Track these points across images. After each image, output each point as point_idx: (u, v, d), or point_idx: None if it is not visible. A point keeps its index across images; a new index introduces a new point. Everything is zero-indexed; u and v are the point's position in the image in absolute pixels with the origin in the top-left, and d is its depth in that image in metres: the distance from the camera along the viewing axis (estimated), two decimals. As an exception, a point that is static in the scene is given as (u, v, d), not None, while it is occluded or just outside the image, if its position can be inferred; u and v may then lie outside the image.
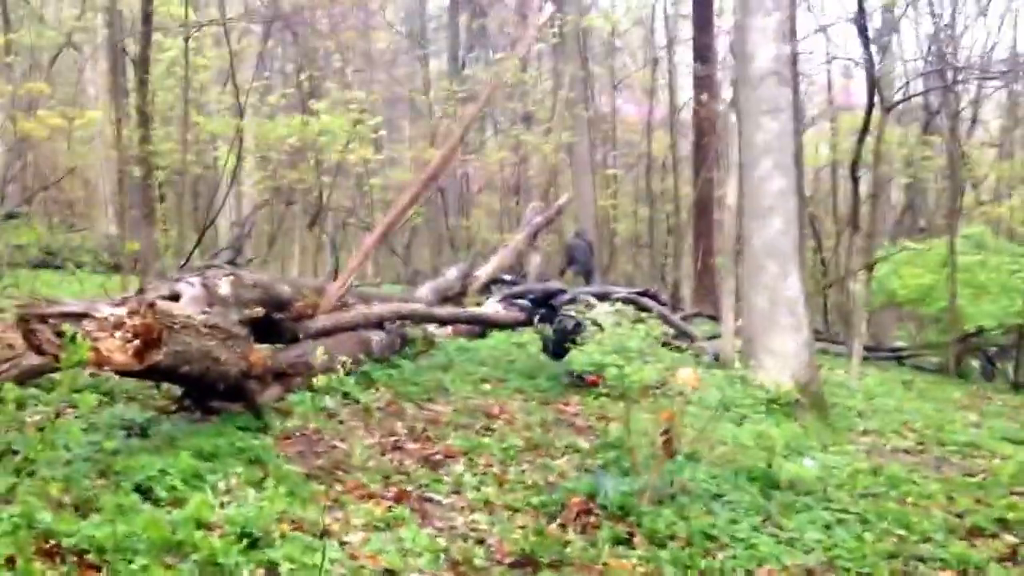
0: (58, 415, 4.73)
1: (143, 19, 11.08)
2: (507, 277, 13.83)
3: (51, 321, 4.45)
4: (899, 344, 18.66)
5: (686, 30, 24.71)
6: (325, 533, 4.09)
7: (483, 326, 10.47)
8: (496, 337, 10.41)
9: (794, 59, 8.73)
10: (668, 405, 5.23)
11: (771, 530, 4.86)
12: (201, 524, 3.90)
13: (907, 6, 18.88)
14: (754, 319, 8.53)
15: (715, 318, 15.91)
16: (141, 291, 5.10)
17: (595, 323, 7.74)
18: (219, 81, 19.23)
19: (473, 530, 4.53)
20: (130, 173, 11.52)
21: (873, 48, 14.06)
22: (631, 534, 4.59)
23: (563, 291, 9.84)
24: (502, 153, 21.94)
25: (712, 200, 20.56)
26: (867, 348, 13.94)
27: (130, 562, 3.50)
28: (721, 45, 21.47)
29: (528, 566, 4.20)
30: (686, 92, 24.71)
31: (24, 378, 5.66)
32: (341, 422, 6.17)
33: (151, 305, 4.63)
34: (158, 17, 12.92)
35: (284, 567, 3.66)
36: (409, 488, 5.01)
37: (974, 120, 21.90)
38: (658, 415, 5.16)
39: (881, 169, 15.37)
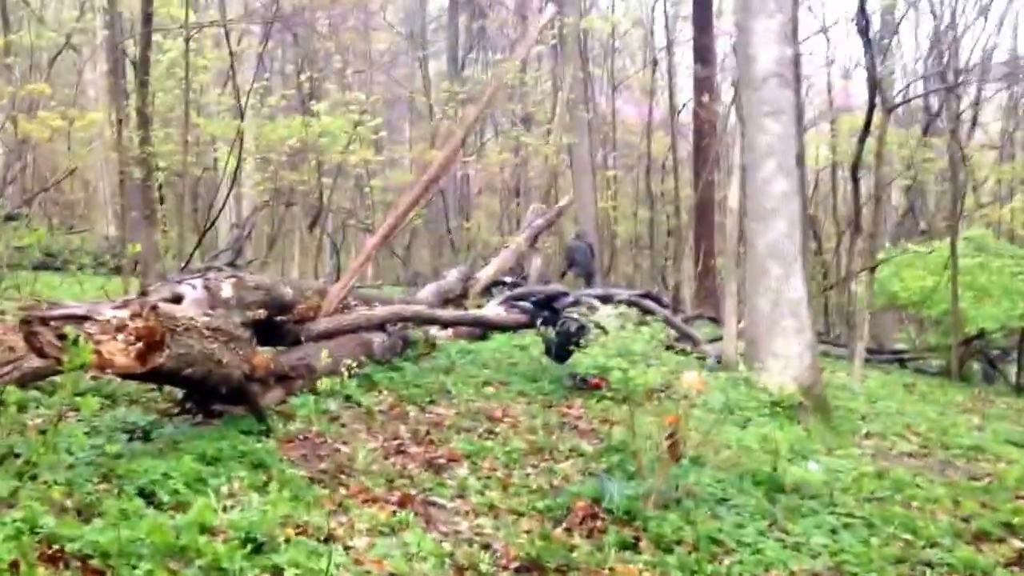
0: (60, 418, 4.70)
1: (143, 20, 11.05)
2: (508, 279, 13.81)
3: (53, 324, 4.42)
4: (900, 346, 18.65)
5: (686, 31, 24.73)
6: (330, 538, 4.07)
7: (485, 328, 10.44)
8: (498, 339, 10.37)
9: (796, 61, 8.70)
10: (672, 408, 5.20)
11: (777, 535, 4.83)
12: (205, 529, 3.87)
13: (908, 8, 18.92)
14: (757, 321, 8.51)
15: (716, 320, 15.92)
16: (144, 293, 5.07)
17: (598, 326, 7.71)
18: (219, 82, 19.21)
19: (478, 534, 4.51)
20: (130, 175, 11.48)
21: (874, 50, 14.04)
22: (637, 538, 4.57)
23: (566, 293, 9.82)
24: (503, 155, 21.92)
25: (713, 202, 20.56)
26: (868, 350, 13.92)
27: (134, 567, 3.48)
28: (721, 47, 21.52)
29: (534, 571, 4.17)
30: (685, 94, 24.73)
31: (25, 381, 5.63)
32: (344, 425, 6.13)
33: (154, 307, 4.60)
34: (158, 18, 12.89)
35: (289, 572, 3.63)
36: (413, 492, 4.98)
37: (974, 122, 21.90)
38: (662, 418, 5.14)
39: (882, 171, 15.34)
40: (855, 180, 13.87)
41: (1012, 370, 15.30)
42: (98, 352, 4.36)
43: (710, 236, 20.11)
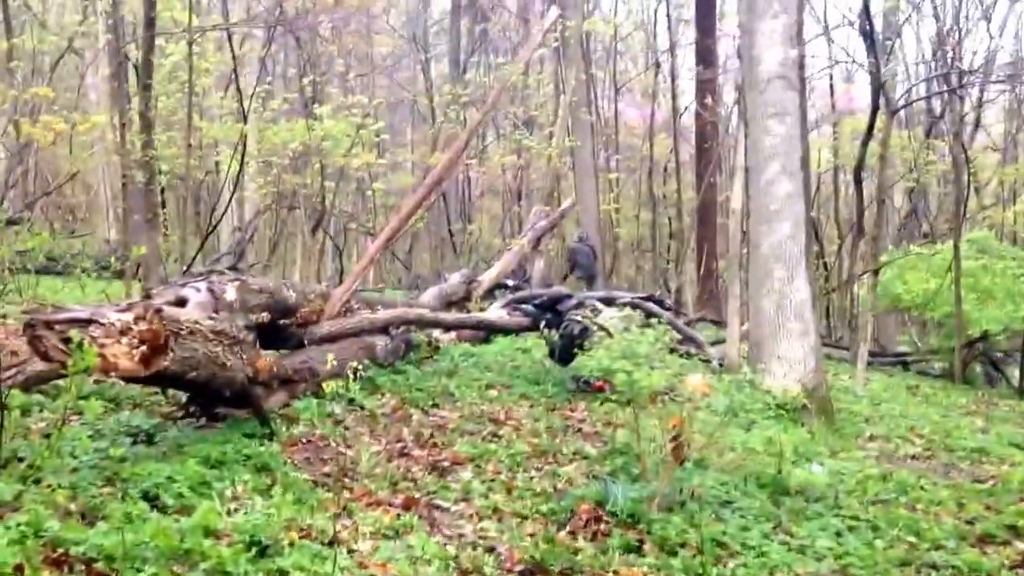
0: (64, 422, 4.70)
1: (146, 24, 11.05)
2: (510, 282, 13.80)
3: (57, 327, 4.42)
4: (903, 349, 18.63)
5: (687, 34, 24.76)
6: (334, 541, 4.06)
7: (489, 331, 10.44)
8: (500, 342, 10.37)
9: (801, 63, 8.70)
10: (676, 411, 5.20)
11: (782, 537, 4.83)
12: (209, 532, 3.87)
13: (912, 11, 18.92)
14: (761, 324, 8.50)
15: (718, 323, 15.91)
16: (147, 296, 5.07)
17: (602, 328, 7.71)
18: (221, 86, 19.23)
19: (482, 538, 4.50)
20: (133, 178, 11.50)
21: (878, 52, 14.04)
22: (641, 541, 4.56)
23: (569, 296, 9.82)
24: (507, 157, 21.94)
25: (715, 204, 20.56)
26: (871, 353, 13.91)
27: (139, 571, 3.48)
28: (723, 49, 21.54)
29: (538, 574, 4.16)
30: (687, 96, 24.75)
31: (29, 385, 5.63)
32: (347, 428, 6.13)
33: (158, 311, 4.60)
34: (160, 22, 12.90)
35: (294, 576, 3.63)
36: (417, 495, 4.98)
37: (977, 124, 21.89)
38: (667, 421, 5.13)
39: (885, 173, 15.34)
40: (858, 183, 13.87)
41: (1015, 372, 15.26)
42: (102, 355, 4.36)
43: (712, 238, 20.12)
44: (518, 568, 4.19)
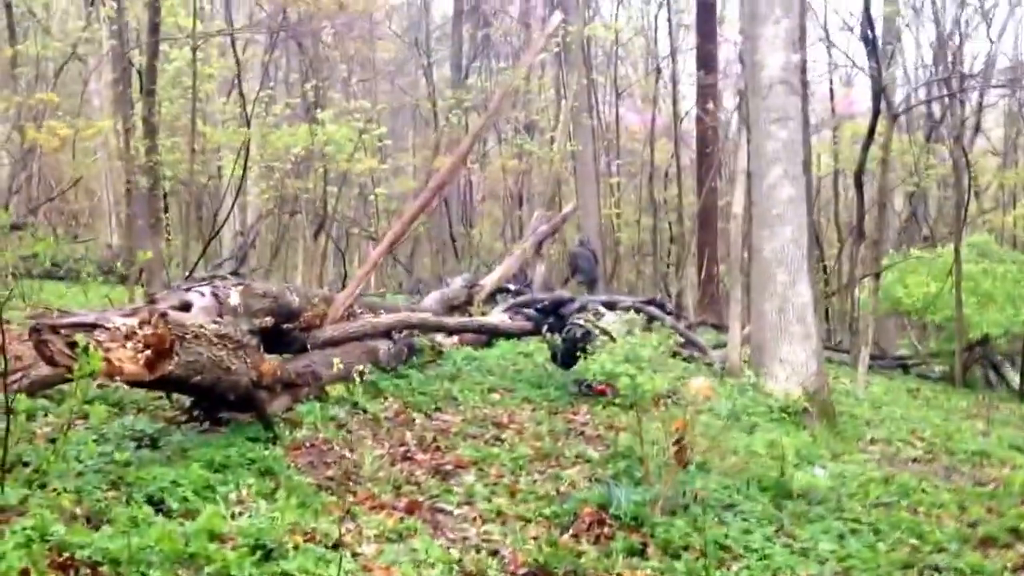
0: (69, 426, 4.72)
1: (150, 30, 11.12)
2: (512, 286, 13.82)
3: (63, 332, 4.44)
4: (903, 352, 18.63)
5: (688, 40, 24.80)
6: (338, 544, 4.08)
7: (492, 335, 10.46)
8: (502, 346, 10.39)
9: (803, 67, 8.73)
10: (679, 415, 5.21)
11: (784, 540, 4.84)
12: (214, 536, 3.89)
13: (913, 16, 18.96)
14: (763, 328, 8.51)
15: (719, 327, 15.92)
16: (152, 301, 5.10)
17: (605, 332, 7.72)
18: (223, 91, 19.29)
19: (486, 541, 4.51)
20: (136, 183, 11.54)
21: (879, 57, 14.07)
22: (645, 544, 4.57)
23: (572, 299, 9.83)
24: (510, 161, 21.97)
25: (716, 209, 20.59)
26: (871, 356, 13.91)
27: (144, 574, 3.50)
28: (723, 54, 21.57)
29: (542, 577, 4.18)
30: (688, 101, 24.79)
31: (33, 389, 5.66)
32: (350, 432, 6.15)
33: (163, 315, 4.62)
34: (164, 28, 12.96)
35: (298, 579, 3.65)
36: (420, 499, 5.00)
37: (977, 128, 21.93)
38: (670, 425, 5.15)
39: (887, 178, 15.35)
40: (859, 187, 13.89)
41: (1015, 375, 15.27)
42: (107, 360, 4.38)
43: (713, 243, 20.14)
44: (522, 571, 4.20)
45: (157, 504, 4.24)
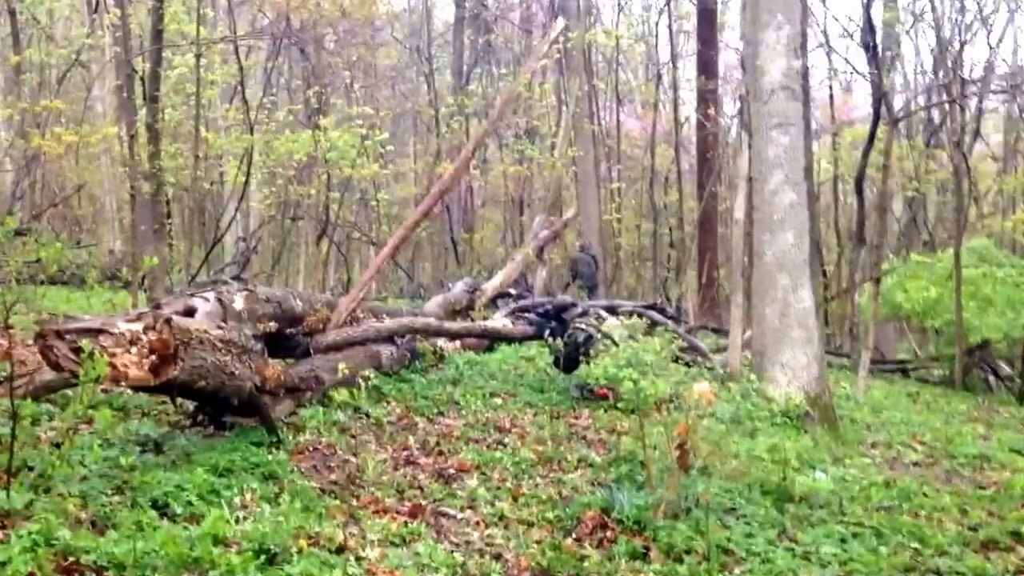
0: (74, 431, 4.75)
1: (153, 36, 11.16)
2: (513, 291, 13.86)
3: (68, 337, 4.46)
4: (903, 356, 18.63)
5: (688, 46, 24.87)
6: (342, 548, 4.10)
7: (493, 340, 10.49)
8: (504, 351, 10.42)
9: (805, 73, 8.75)
10: (681, 419, 5.23)
11: (787, 544, 4.85)
12: (218, 540, 3.91)
13: (914, 22, 19.00)
14: (765, 332, 8.52)
15: (719, 331, 15.94)
16: (157, 306, 5.12)
17: (607, 336, 7.75)
18: (225, 98, 19.34)
19: (489, 545, 4.53)
20: (140, 189, 11.57)
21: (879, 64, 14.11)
22: (647, 548, 4.59)
23: (574, 304, 9.87)
24: (511, 167, 22.01)
25: (717, 214, 20.63)
26: (871, 360, 13.92)
27: (149, 579, 3.51)
28: (723, 60, 21.65)
29: (545, 581, 4.20)
30: (688, 107, 24.85)
31: (38, 394, 5.68)
32: (353, 436, 6.17)
33: (167, 321, 4.65)
34: (167, 35, 13.01)
35: (303, 583, 3.66)
36: (424, 503, 5.02)
37: (976, 134, 21.97)
38: (672, 429, 5.16)
39: (888, 183, 15.37)
40: (859, 193, 13.91)
41: (1016, 379, 15.26)
42: (112, 365, 4.41)
43: (714, 248, 20.19)
44: (525, 575, 4.22)
45: (162, 508, 4.26)
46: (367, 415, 6.69)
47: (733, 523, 5.01)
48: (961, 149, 15.97)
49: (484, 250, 25.06)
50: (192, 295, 5.66)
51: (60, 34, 20.15)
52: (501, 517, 4.94)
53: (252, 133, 15.72)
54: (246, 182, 16.50)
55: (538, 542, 4.59)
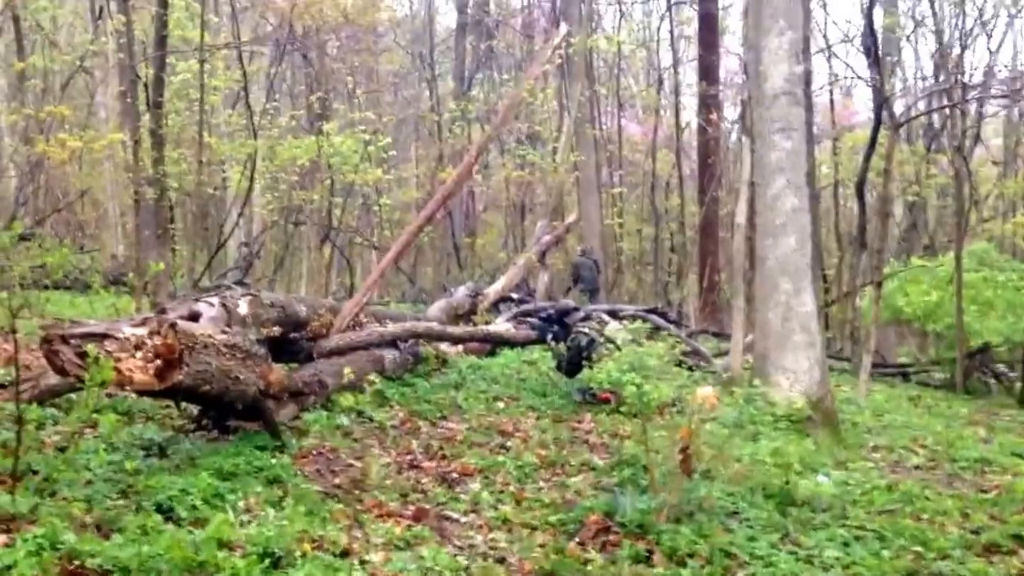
0: (79, 435, 4.76)
1: (157, 43, 11.21)
2: (515, 296, 13.88)
3: (73, 342, 4.49)
4: (903, 360, 18.63)
5: (689, 52, 24.92)
6: (346, 552, 4.11)
7: (497, 344, 10.52)
8: (506, 355, 10.44)
9: (807, 79, 8.77)
10: (684, 423, 5.24)
11: (789, 547, 4.85)
12: (223, 544, 3.92)
13: (915, 27, 19.02)
14: (767, 336, 8.53)
15: (719, 335, 15.97)
16: (162, 311, 5.14)
17: (610, 341, 7.76)
18: (229, 103, 19.40)
19: (493, 548, 4.55)
20: (143, 195, 11.62)
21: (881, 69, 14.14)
22: (651, 552, 4.59)
23: (577, 308, 9.88)
24: (513, 172, 22.06)
25: (718, 219, 20.66)
26: (872, 364, 13.92)
27: (154, 583, 3.53)
28: (724, 66, 21.69)
29: (549, 584, 4.20)
30: (689, 112, 24.89)
31: (43, 398, 5.71)
32: (357, 440, 6.19)
33: (172, 325, 4.67)
34: (171, 41, 13.07)
35: (308, 586, 3.68)
36: (427, 506, 5.03)
37: (976, 138, 22.01)
38: (675, 433, 5.18)
39: (889, 188, 15.39)
40: (860, 197, 13.92)
41: (1017, 383, 15.24)
42: (117, 369, 4.43)
43: (715, 252, 20.21)
44: (529, 578, 4.23)
45: (166, 512, 4.28)
46: (370, 419, 6.71)
47: (736, 527, 5.02)
48: (962, 153, 15.99)
49: (486, 255, 25.08)
50: (197, 300, 5.69)
51: (64, 40, 20.21)
52: (504, 521, 4.95)
53: (255, 138, 15.78)
54: (249, 187, 16.55)
55: (541, 546, 4.60)
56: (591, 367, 6.99)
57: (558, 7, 22.29)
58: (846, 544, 4.97)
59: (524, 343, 10.46)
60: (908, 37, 22.76)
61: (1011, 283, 14.81)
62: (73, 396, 5.75)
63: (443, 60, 28.74)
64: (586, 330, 8.62)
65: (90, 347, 4.30)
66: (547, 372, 9.44)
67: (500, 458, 6.11)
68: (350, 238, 20.88)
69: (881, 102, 13.33)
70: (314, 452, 5.75)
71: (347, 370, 5.34)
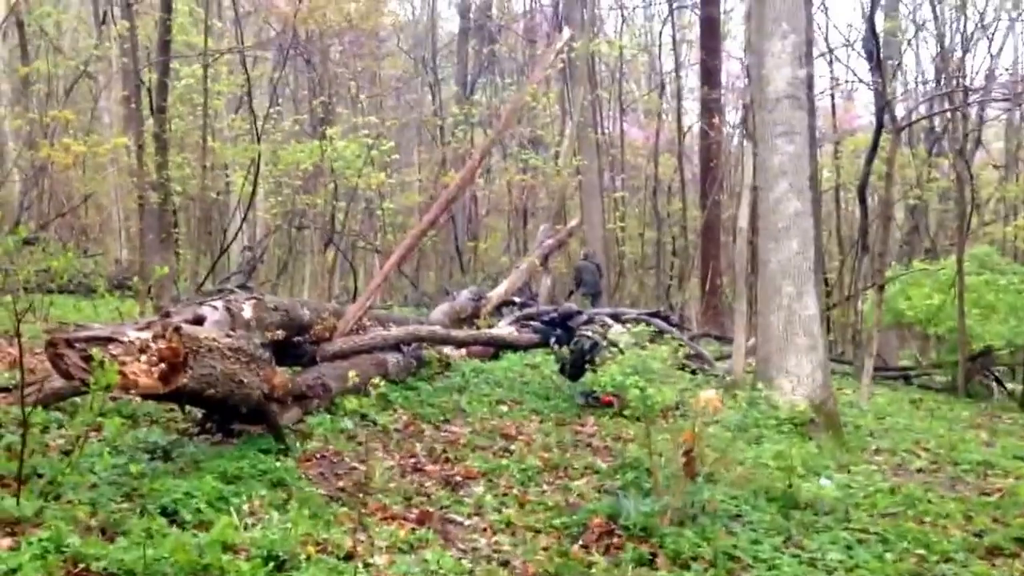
0: (83, 439, 4.78)
1: (160, 48, 11.25)
2: (517, 299, 13.89)
3: (78, 346, 4.51)
4: (905, 363, 18.62)
5: (691, 56, 24.95)
6: (351, 555, 4.12)
7: (499, 347, 10.53)
8: (509, 359, 10.45)
9: (809, 82, 8.79)
10: (687, 426, 5.25)
11: (793, 550, 4.85)
12: (227, 547, 3.93)
13: (916, 31, 19.04)
14: (770, 339, 8.54)
15: (721, 338, 15.98)
16: (166, 315, 5.16)
17: (613, 344, 7.77)
18: (232, 108, 19.45)
19: (496, 552, 4.55)
20: (147, 199, 11.65)
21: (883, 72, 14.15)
22: (654, 555, 4.59)
23: (580, 312, 9.89)
24: (516, 176, 22.11)
25: (719, 222, 20.69)
26: (874, 367, 13.91)
27: (160, 585, 3.54)
28: (726, 70, 21.72)
29: (553, 587, 4.21)
30: (691, 116, 24.92)
31: (47, 402, 5.73)
32: (360, 444, 6.20)
33: (176, 329, 4.69)
34: (175, 46, 13.11)
35: (312, 590, 3.69)
36: (431, 510, 5.03)
37: (977, 142, 22.03)
38: (678, 436, 5.18)
39: (891, 191, 15.40)
40: (862, 201, 13.93)
41: (1018, 386, 15.23)
42: (122, 373, 4.44)
43: (717, 255, 20.24)
44: (533, 581, 4.24)
45: (171, 515, 4.29)
46: (374, 422, 6.72)
47: (739, 530, 5.02)
48: (963, 157, 15.99)
49: (488, 259, 25.11)
50: (201, 304, 5.71)
51: (68, 46, 20.28)
52: (508, 524, 4.95)
53: (259, 143, 15.81)
54: (253, 191, 16.58)
55: (545, 549, 4.61)
56: (594, 370, 7.00)
57: (560, 12, 22.34)
58: (849, 547, 4.97)
59: (527, 347, 10.47)
60: (910, 41, 22.79)
61: (1013, 286, 14.81)
62: (78, 400, 5.76)
63: (446, 64, 28.80)
64: (589, 333, 8.63)
65: (95, 351, 4.31)
66: (550, 375, 9.45)
67: (503, 461, 6.12)
68: (353, 242, 20.92)
69: (883, 106, 13.35)
70: (318, 455, 5.76)
71: (351, 373, 5.35)
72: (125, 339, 4.61)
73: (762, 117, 8.84)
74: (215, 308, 5.57)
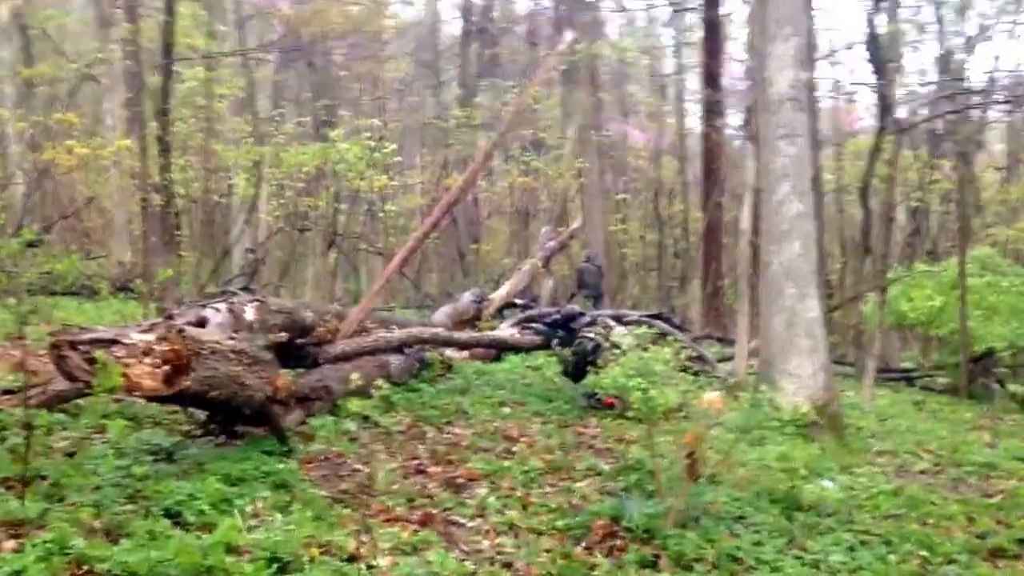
0: (87, 440, 4.79)
1: (163, 51, 11.27)
2: (519, 301, 13.88)
3: (82, 348, 4.53)
4: (907, 365, 18.60)
5: (692, 58, 24.96)
6: (354, 557, 4.12)
7: (502, 349, 10.54)
8: (512, 360, 10.46)
9: (812, 85, 8.80)
10: (689, 428, 5.25)
11: (796, 552, 4.86)
12: (231, 549, 3.94)
13: (918, 33, 19.01)
14: (772, 341, 8.54)
15: (723, 340, 15.96)
16: (169, 317, 5.18)
17: (615, 346, 7.77)
18: (235, 110, 19.48)
19: (500, 554, 4.55)
20: (150, 201, 11.68)
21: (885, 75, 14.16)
22: (657, 557, 4.60)
23: (582, 314, 9.89)
24: (519, 178, 22.13)
25: (721, 224, 20.68)
26: (877, 369, 13.89)
27: (162, 587, 3.55)
28: (727, 72, 21.72)
29: (556, 589, 4.21)
30: (692, 118, 24.94)
31: (51, 404, 5.74)
32: (363, 446, 6.21)
33: (180, 331, 4.71)
34: (178, 49, 13.13)
35: (316, 591, 3.69)
36: (434, 511, 5.04)
37: (979, 144, 22.00)
38: (681, 438, 5.18)
39: (893, 192, 15.41)
40: (864, 203, 13.93)
41: (1020, 388, 15.20)
42: (126, 375, 4.47)
43: (718, 257, 20.23)
44: (536, 583, 4.24)
45: (174, 517, 4.30)
46: (377, 424, 6.72)
47: (742, 531, 5.02)
48: (965, 159, 15.99)
49: (491, 261, 25.10)
50: (204, 306, 5.72)
51: (71, 48, 20.32)
52: (511, 526, 4.95)
53: (261, 145, 15.84)
54: (255, 194, 16.61)
55: (548, 551, 4.61)
56: (596, 372, 7.00)
57: (562, 15, 22.34)
58: (852, 549, 4.97)
59: (529, 348, 10.48)
60: (911, 44, 22.77)
61: (1015, 288, 14.80)
62: (81, 402, 5.77)
63: (448, 67, 28.82)
64: (591, 335, 8.63)
65: (99, 353, 4.33)
66: (552, 377, 9.46)
67: (506, 463, 6.12)
68: (355, 244, 20.94)
69: (884, 108, 13.35)
70: (321, 457, 5.77)
71: (354, 376, 5.37)
72: (129, 341, 4.63)
73: (764, 119, 8.85)
74: (218, 310, 5.59)
